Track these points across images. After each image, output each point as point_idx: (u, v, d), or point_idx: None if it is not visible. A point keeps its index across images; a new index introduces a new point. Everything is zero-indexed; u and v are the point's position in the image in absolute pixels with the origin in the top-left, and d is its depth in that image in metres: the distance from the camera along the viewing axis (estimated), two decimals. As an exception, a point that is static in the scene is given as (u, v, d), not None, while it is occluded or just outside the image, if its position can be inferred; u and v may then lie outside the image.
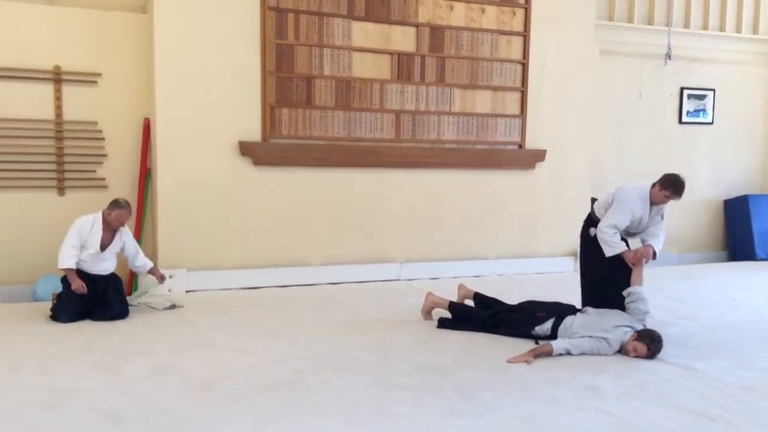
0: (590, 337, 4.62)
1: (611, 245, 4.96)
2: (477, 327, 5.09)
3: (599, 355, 4.56)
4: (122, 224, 5.44)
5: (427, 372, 4.21)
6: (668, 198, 4.94)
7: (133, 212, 6.39)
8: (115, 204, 5.41)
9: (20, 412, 3.48)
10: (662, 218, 5.13)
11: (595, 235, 5.09)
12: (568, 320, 4.81)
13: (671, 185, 4.92)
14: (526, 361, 4.40)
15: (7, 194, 6.19)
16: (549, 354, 4.50)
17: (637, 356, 4.52)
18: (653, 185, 5.00)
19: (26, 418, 3.42)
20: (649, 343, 4.54)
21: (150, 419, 3.43)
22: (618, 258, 4.96)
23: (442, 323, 5.23)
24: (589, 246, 5.19)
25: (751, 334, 5.25)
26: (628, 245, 5.08)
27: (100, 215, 5.39)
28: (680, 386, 4.04)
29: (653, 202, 5.01)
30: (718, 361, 4.54)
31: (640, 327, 4.74)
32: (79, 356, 4.40)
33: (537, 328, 4.87)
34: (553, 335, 4.79)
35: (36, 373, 4.07)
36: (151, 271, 5.76)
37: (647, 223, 5.07)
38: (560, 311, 4.95)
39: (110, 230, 5.42)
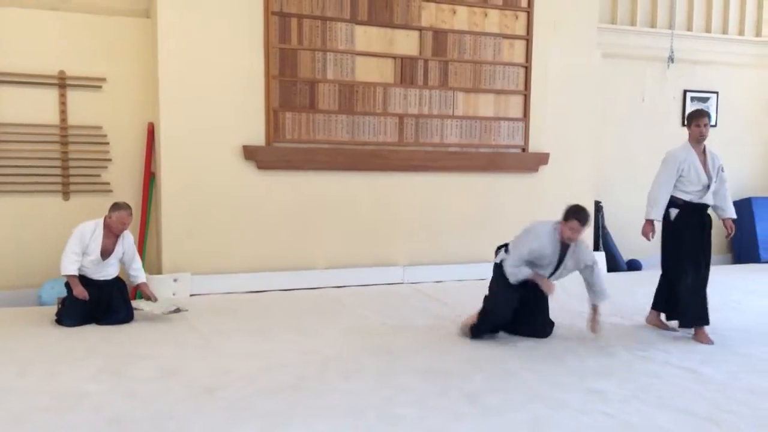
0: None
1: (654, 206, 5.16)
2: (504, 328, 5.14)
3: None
4: (124, 226, 5.38)
5: (433, 376, 4.21)
6: (706, 126, 5.15)
7: (135, 215, 6.45)
8: (115, 206, 5.40)
9: (27, 416, 3.49)
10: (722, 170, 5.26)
11: (675, 216, 5.17)
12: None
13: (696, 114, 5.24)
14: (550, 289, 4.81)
15: (12, 198, 6.21)
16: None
17: (576, 234, 4.73)
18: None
19: (33, 422, 3.43)
20: (574, 215, 4.73)
21: (155, 423, 3.44)
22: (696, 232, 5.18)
23: (474, 333, 5.11)
24: (668, 227, 5.26)
25: (757, 337, 5.24)
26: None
27: (101, 221, 5.38)
28: (686, 390, 4.04)
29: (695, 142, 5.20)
30: (723, 364, 4.54)
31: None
32: (84, 360, 4.41)
33: (507, 269, 4.91)
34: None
35: (42, 377, 4.08)
36: (141, 287, 5.64)
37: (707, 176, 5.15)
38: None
39: (112, 236, 5.40)
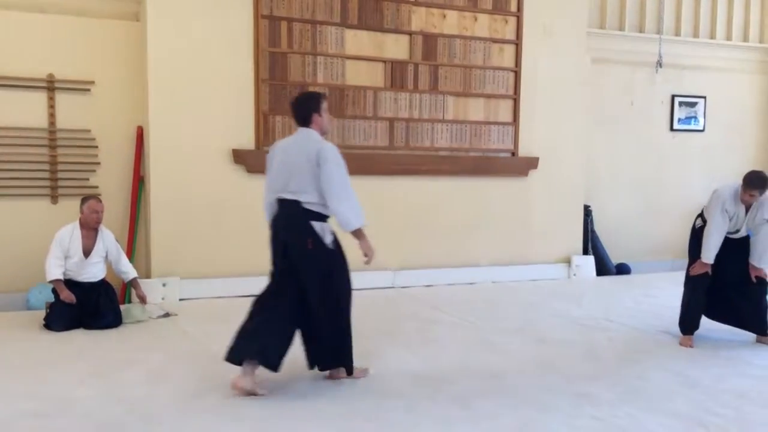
0: None
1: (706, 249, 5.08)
2: None
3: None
4: (97, 214, 5.42)
5: (422, 380, 4.22)
6: (753, 197, 5.02)
7: (124, 219, 6.43)
8: (83, 199, 5.50)
9: (16, 422, 3.47)
10: None
11: (699, 227, 5.24)
12: None
13: (750, 183, 5.03)
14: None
15: (0, 202, 6.17)
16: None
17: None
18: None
19: (22, 428, 3.41)
20: None
21: (144, 428, 3.43)
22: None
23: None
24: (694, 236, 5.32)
25: (744, 341, 5.27)
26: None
27: (77, 222, 5.44)
28: (674, 393, 4.06)
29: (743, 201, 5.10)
30: (711, 368, 4.57)
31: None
32: (73, 365, 4.39)
33: None
34: None
35: (31, 382, 4.06)
36: (134, 284, 5.71)
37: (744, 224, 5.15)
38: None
39: (91, 233, 5.44)
